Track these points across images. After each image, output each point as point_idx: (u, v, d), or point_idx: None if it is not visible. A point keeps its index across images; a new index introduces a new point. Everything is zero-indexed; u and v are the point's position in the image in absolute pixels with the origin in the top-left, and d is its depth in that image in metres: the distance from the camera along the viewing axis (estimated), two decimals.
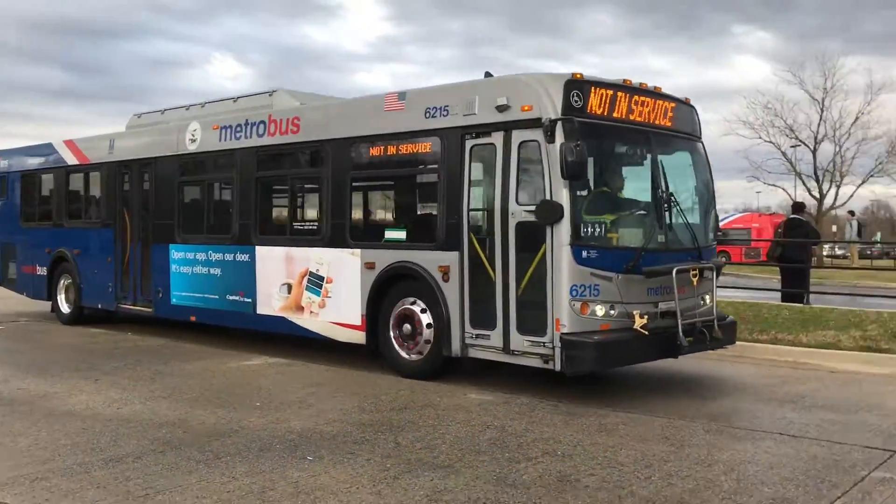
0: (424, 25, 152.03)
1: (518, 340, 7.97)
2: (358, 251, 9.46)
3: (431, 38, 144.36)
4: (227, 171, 11.40)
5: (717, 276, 8.71)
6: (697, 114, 9.30)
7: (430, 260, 8.69)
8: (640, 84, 8.49)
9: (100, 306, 13.42)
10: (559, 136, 7.64)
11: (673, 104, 8.77)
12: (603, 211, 8.07)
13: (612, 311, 7.85)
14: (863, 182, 38.64)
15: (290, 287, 10.27)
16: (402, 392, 8.22)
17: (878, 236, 50.71)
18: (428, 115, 8.77)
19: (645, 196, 8.48)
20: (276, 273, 10.44)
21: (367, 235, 9.81)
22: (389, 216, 10.15)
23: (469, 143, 8.41)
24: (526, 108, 7.90)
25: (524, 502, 4.87)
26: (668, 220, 8.35)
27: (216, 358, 10.37)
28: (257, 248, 10.69)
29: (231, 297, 11.07)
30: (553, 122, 7.65)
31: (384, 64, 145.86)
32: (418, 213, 9.63)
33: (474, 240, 8.38)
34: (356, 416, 7.20)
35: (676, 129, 8.84)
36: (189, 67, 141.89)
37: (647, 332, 7.81)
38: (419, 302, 8.88)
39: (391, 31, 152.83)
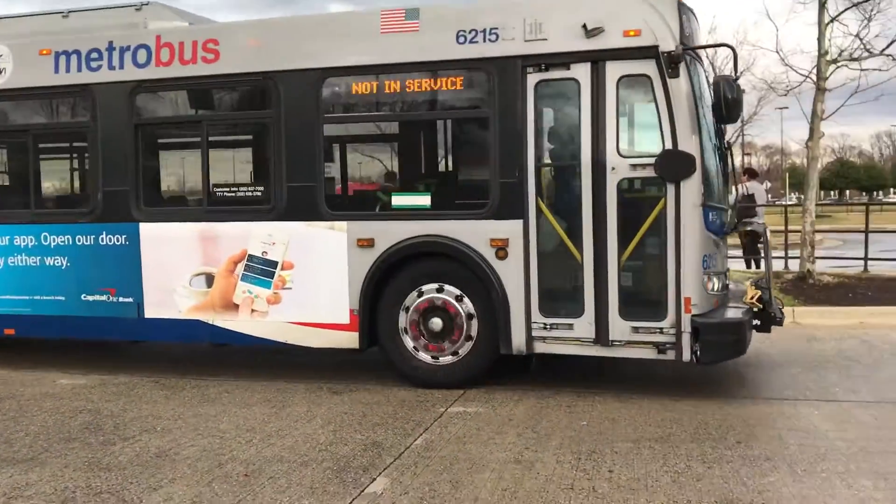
0: None
1: (621, 328, 6.24)
2: (342, 224, 6.83)
3: None
4: (75, 117, 7.75)
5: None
6: None
7: (474, 232, 6.51)
8: None
9: None
10: (683, 72, 6.01)
11: None
12: (706, 164, 6.55)
13: (718, 285, 6.49)
14: None
15: (209, 278, 7.22)
16: None
17: None
18: (462, 39, 6.47)
19: (712, 145, 7.13)
20: (181, 259, 7.29)
21: (357, 203, 7.30)
22: (396, 176, 7.51)
23: (533, 78, 6.34)
24: (632, 32, 6.11)
25: (119, 484, 4.64)
26: (724, 175, 7.13)
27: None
28: (143, 225, 7.36)
29: (90, 298, 7.57)
30: (674, 54, 5.96)
31: None
32: (451, 172, 7.38)
33: (543, 204, 6.39)
34: None
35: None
36: None
37: (761, 306, 6.59)
38: (449, 288, 6.64)
39: None
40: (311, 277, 6.92)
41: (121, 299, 7.46)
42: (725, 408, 6.01)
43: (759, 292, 6.65)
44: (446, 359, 6.73)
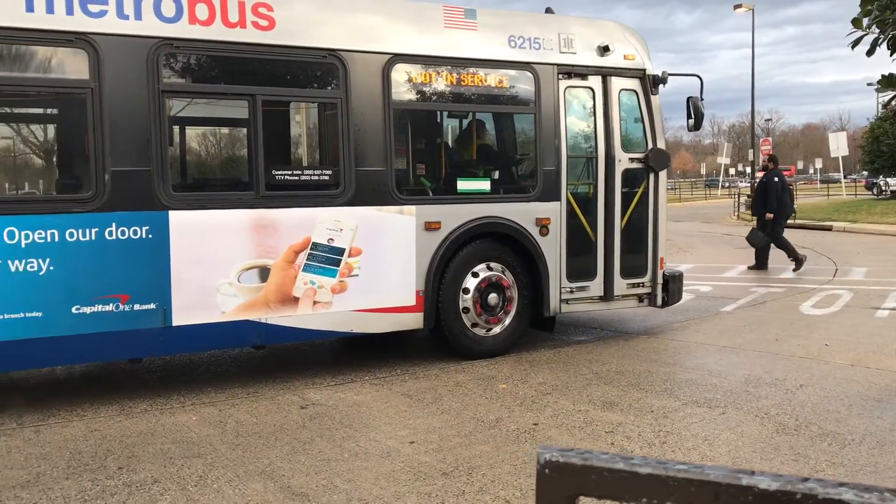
0: None
1: (621, 285, 7.72)
2: (412, 208, 6.69)
3: None
4: (62, 74, 5.58)
5: None
6: None
7: (525, 213, 7.17)
8: None
9: None
10: (654, 91, 7.80)
11: None
12: None
13: None
14: None
15: (263, 271, 6.20)
16: None
17: None
18: (513, 44, 7.08)
19: None
20: (226, 253, 6.06)
21: (425, 188, 6.92)
22: (458, 163, 7.17)
23: (563, 84, 7.35)
24: (629, 56, 7.64)
25: None
26: None
27: None
28: (174, 213, 5.85)
29: (87, 311, 5.66)
30: (654, 77, 7.75)
31: None
32: (505, 159, 7.57)
33: (568, 189, 7.47)
34: None
35: None
36: None
37: None
38: (497, 265, 7.18)
39: None
40: (379, 262, 6.55)
41: (137, 307, 5.75)
42: (98, 431, 5.24)
43: None
44: (498, 330, 7.14)
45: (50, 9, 5.37)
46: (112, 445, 4.96)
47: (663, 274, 7.83)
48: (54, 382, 6.65)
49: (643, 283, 7.78)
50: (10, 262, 5.32)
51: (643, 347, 7.57)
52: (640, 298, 7.82)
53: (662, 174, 7.79)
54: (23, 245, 5.35)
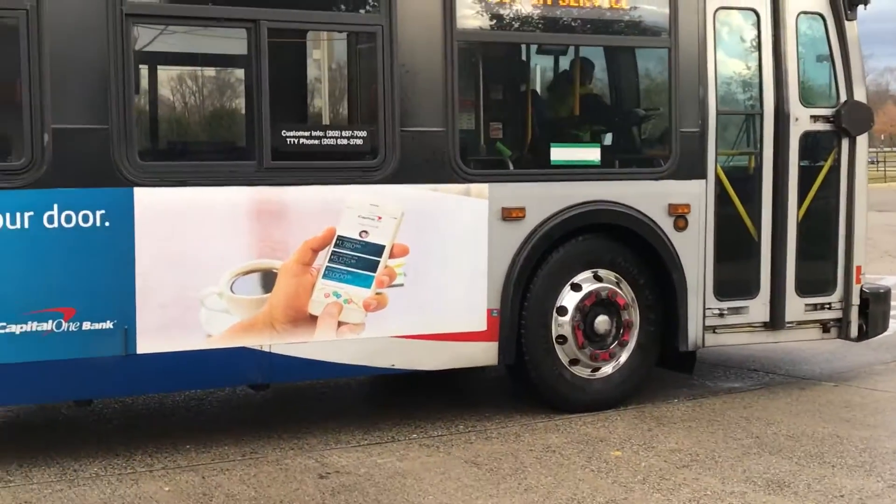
0: None
1: (796, 307, 7.52)
2: (483, 188, 6.61)
3: None
4: None
5: None
6: None
7: (652, 196, 7.03)
8: None
9: None
10: (850, 16, 7.57)
11: None
12: None
13: None
14: None
15: (266, 278, 6.21)
16: None
17: None
18: None
19: None
20: (215, 249, 6.08)
21: (504, 158, 6.92)
22: (551, 121, 7.18)
23: (713, 4, 7.19)
24: None
25: None
26: None
27: None
28: (139, 192, 5.86)
29: (16, 329, 5.71)
30: None
31: None
32: (622, 115, 7.65)
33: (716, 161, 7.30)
34: None
35: None
36: None
37: None
38: (608, 273, 7.08)
39: None
40: (433, 267, 6.52)
41: (87, 326, 5.80)
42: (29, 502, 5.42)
43: None
44: (606, 369, 7.03)
45: None
46: None
47: (861, 291, 7.60)
48: None
49: (830, 303, 7.61)
50: None
51: (828, 401, 7.39)
52: (824, 327, 7.66)
53: (861, 140, 7.55)
54: None
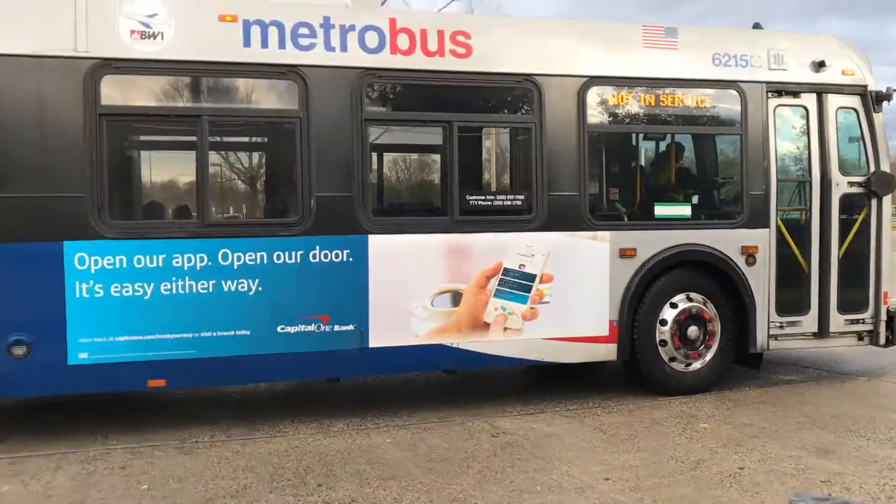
0: None
1: (838, 321, 7.45)
2: (606, 234, 6.82)
3: None
4: (275, 104, 6.23)
5: None
6: None
7: (730, 240, 7.08)
8: None
9: None
10: (877, 109, 7.45)
11: None
12: None
13: None
14: None
15: (455, 296, 6.50)
16: None
17: None
18: (718, 62, 7.09)
19: None
20: (422, 276, 6.41)
21: (620, 213, 7.10)
22: (655, 187, 7.41)
23: (773, 103, 7.20)
24: (848, 72, 7.42)
25: None
26: None
27: None
28: (372, 237, 6.28)
29: (290, 330, 6.19)
30: (877, 93, 7.42)
31: None
32: (707, 182, 7.69)
33: (776, 215, 7.26)
34: None
35: None
36: None
37: None
38: (697, 295, 7.14)
39: None
40: (570, 290, 6.73)
41: (336, 328, 6.25)
42: (298, 448, 5.74)
43: None
44: (696, 365, 7.04)
45: (265, 44, 6.01)
46: (311, 463, 5.41)
47: (887, 310, 7.51)
48: (257, 399, 7.32)
49: (864, 318, 7.54)
50: (223, 282, 5.97)
51: (864, 390, 7.33)
52: (859, 336, 7.60)
53: (886, 199, 7.51)
54: (235, 266, 5.98)
